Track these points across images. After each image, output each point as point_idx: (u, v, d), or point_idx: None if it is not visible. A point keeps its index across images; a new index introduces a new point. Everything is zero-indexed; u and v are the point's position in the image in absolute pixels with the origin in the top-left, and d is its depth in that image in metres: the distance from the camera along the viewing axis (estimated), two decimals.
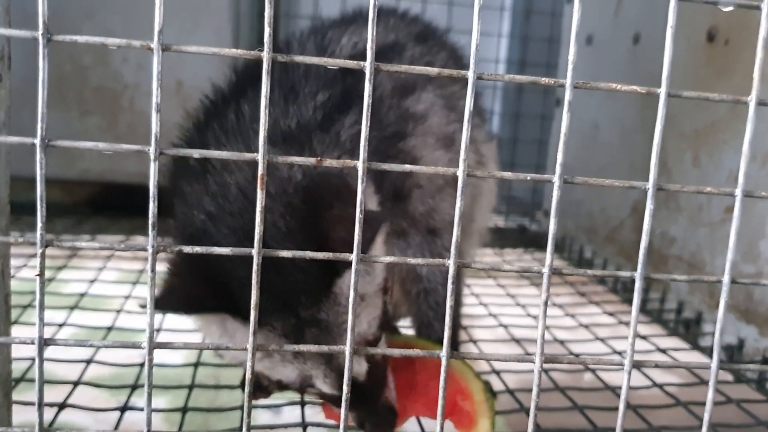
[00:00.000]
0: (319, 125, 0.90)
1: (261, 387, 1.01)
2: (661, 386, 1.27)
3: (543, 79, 0.55)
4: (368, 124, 0.52)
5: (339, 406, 0.89)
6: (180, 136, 1.00)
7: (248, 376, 0.53)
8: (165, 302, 0.78)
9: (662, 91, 0.54)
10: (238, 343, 0.82)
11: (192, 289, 0.80)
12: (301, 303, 0.80)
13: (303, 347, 0.55)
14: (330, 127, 0.91)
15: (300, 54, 1.04)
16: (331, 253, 0.56)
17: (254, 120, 0.89)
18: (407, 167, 0.56)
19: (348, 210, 0.80)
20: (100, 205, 2.47)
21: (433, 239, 1.08)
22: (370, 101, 0.52)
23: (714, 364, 0.60)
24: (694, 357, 1.54)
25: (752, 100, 0.56)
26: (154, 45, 0.48)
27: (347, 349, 0.54)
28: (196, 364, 1.27)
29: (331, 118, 0.91)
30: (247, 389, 0.53)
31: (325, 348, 0.55)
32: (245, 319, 0.79)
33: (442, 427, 0.58)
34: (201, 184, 0.87)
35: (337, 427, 1.01)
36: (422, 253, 1.08)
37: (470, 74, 0.52)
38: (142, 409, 0.53)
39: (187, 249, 0.51)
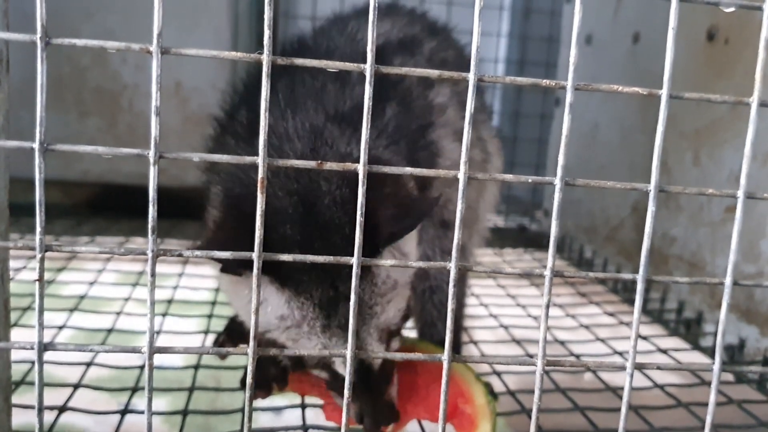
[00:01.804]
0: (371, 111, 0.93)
1: (261, 385, 1.01)
2: (662, 387, 1.27)
3: (544, 81, 0.54)
4: (368, 127, 0.51)
5: (337, 388, 0.91)
6: (229, 94, 1.04)
7: (248, 380, 0.52)
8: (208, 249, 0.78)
9: (664, 93, 0.54)
10: (271, 308, 0.84)
11: (236, 244, 0.80)
12: (341, 276, 0.80)
13: (304, 351, 0.55)
14: (376, 114, 0.94)
15: (326, 42, 1.06)
16: (332, 257, 0.55)
17: (311, 97, 0.93)
18: (407, 170, 0.55)
19: (397, 191, 0.85)
20: (99, 206, 2.46)
21: (444, 233, 1.08)
22: (371, 103, 0.51)
23: (716, 365, 0.59)
24: (695, 357, 1.54)
25: (754, 101, 0.56)
26: (153, 48, 0.48)
27: (348, 353, 0.54)
28: (197, 366, 1.27)
29: (376, 108, 0.93)
30: (247, 393, 0.53)
31: (326, 352, 0.55)
32: (283, 284, 0.81)
33: (443, 430, 0.58)
34: (254, 145, 0.89)
35: (337, 429, 1.01)
36: (432, 248, 1.08)
37: (471, 76, 0.52)
38: (142, 412, 0.53)
39: (188, 253, 0.51)
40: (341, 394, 0.91)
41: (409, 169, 0.54)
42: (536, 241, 2.60)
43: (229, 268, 0.79)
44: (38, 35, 0.47)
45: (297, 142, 0.88)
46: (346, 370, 0.54)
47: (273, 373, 1.02)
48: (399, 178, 0.90)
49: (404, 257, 0.88)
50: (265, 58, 0.49)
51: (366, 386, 0.86)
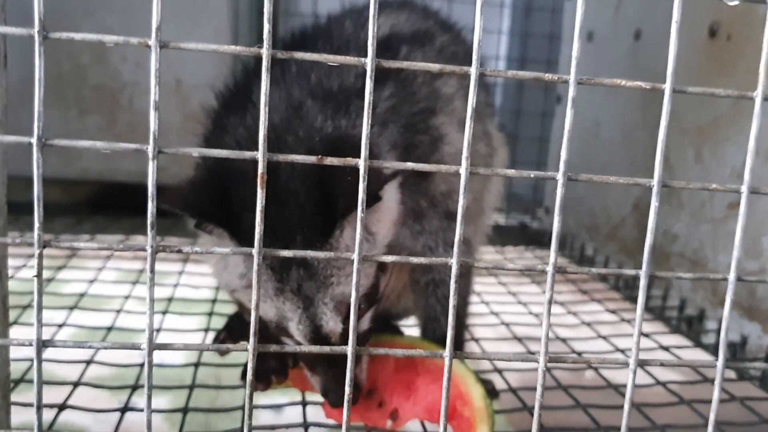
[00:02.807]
0: (358, 93, 0.94)
1: (260, 378, 1.01)
2: (664, 384, 1.27)
3: (546, 75, 0.54)
4: (369, 122, 0.51)
5: (306, 361, 0.92)
6: (232, 76, 1.07)
7: (249, 377, 0.52)
8: (171, 200, 0.79)
9: (667, 86, 0.54)
10: (232, 266, 0.87)
11: (201, 197, 0.83)
12: (295, 241, 0.82)
13: (306, 348, 0.55)
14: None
15: (338, 30, 1.06)
16: (332, 253, 0.55)
17: (300, 75, 0.94)
18: (409, 165, 0.55)
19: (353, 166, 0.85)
20: (99, 205, 2.46)
21: (449, 225, 1.07)
22: (371, 98, 0.51)
23: (720, 362, 0.59)
24: (697, 354, 1.53)
25: (758, 95, 0.56)
26: (152, 42, 0.47)
27: (349, 350, 0.53)
28: (197, 364, 1.26)
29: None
30: (247, 390, 0.53)
31: (326, 349, 0.55)
32: (240, 242, 0.82)
33: (445, 428, 0.57)
34: (239, 117, 0.92)
35: (338, 426, 1.01)
36: (436, 240, 1.07)
37: (473, 70, 0.51)
38: (142, 410, 0.53)
39: (187, 249, 0.51)
40: (306, 365, 0.93)
41: (410, 164, 0.54)
42: (537, 239, 2.59)
43: (198, 224, 0.81)
44: (36, 29, 0.47)
45: (273, 112, 0.90)
46: (348, 369, 0.54)
47: (273, 366, 1.02)
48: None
49: (371, 236, 0.88)
50: (265, 51, 0.48)
51: (330, 362, 0.87)
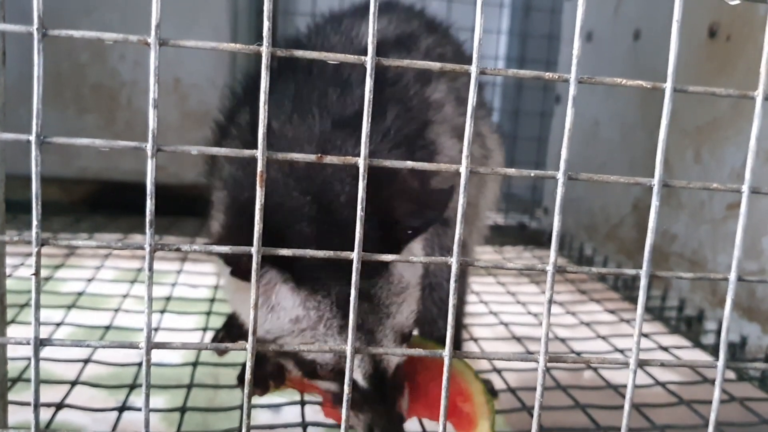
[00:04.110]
0: (374, 118, 0.93)
1: (258, 383, 1.00)
2: (663, 384, 1.27)
3: (547, 74, 0.54)
4: (369, 120, 0.51)
5: (354, 402, 0.85)
6: (230, 96, 1.06)
7: (247, 376, 0.52)
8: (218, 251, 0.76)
9: (668, 85, 0.53)
10: (285, 311, 0.80)
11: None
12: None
13: (304, 347, 0.54)
14: (378, 117, 0.93)
15: (322, 40, 1.05)
16: (332, 251, 0.55)
17: (313, 102, 0.93)
18: (408, 164, 0.55)
19: (408, 186, 0.83)
20: (97, 204, 2.46)
21: (444, 230, 1.07)
22: (371, 96, 0.51)
23: (721, 362, 0.59)
24: (696, 355, 1.53)
25: (759, 94, 0.55)
26: (151, 39, 0.47)
27: (348, 348, 0.53)
28: (195, 364, 1.26)
29: (377, 110, 0.92)
30: (246, 390, 0.53)
31: (326, 347, 0.54)
32: (298, 283, 0.77)
33: (444, 427, 0.57)
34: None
35: (337, 426, 1.01)
36: (432, 245, 1.07)
37: (473, 69, 0.51)
38: (140, 409, 0.52)
39: (185, 248, 0.50)
40: (353, 407, 0.86)
41: (410, 163, 0.54)
42: (536, 239, 2.59)
43: (239, 272, 0.74)
44: (35, 26, 0.46)
45: (306, 147, 0.87)
46: (347, 368, 0.54)
47: (270, 370, 1.01)
48: (407, 177, 0.90)
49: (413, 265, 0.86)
50: (265, 49, 0.48)
51: (381, 396, 0.83)
